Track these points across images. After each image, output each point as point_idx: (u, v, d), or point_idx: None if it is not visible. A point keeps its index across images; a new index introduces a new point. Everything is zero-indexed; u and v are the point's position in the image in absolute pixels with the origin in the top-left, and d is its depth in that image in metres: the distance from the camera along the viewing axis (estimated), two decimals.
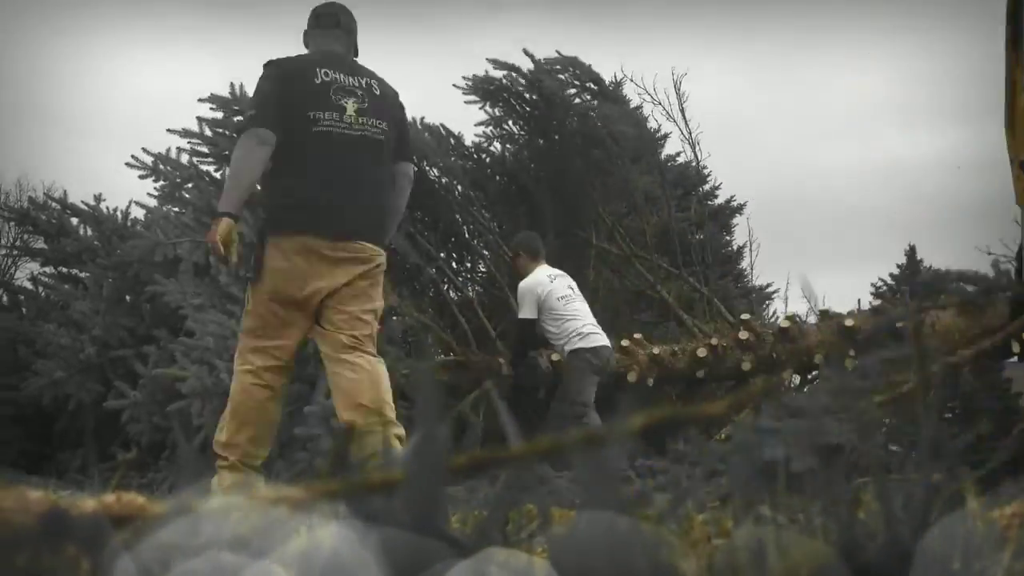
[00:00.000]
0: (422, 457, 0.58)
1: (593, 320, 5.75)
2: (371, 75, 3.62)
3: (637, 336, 6.34)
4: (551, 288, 5.72)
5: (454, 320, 7.72)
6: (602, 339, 5.63)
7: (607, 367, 5.62)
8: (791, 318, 6.12)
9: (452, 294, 8.12)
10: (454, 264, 8.02)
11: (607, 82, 7.89)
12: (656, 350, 6.11)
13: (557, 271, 5.92)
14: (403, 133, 3.71)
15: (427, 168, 7.99)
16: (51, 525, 0.57)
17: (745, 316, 6.42)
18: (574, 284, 5.91)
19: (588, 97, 7.81)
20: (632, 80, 8.68)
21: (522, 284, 5.80)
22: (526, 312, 5.67)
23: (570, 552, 0.57)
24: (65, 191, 7.33)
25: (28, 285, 7.25)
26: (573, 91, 7.71)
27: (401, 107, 3.76)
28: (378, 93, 3.55)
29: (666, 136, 9.24)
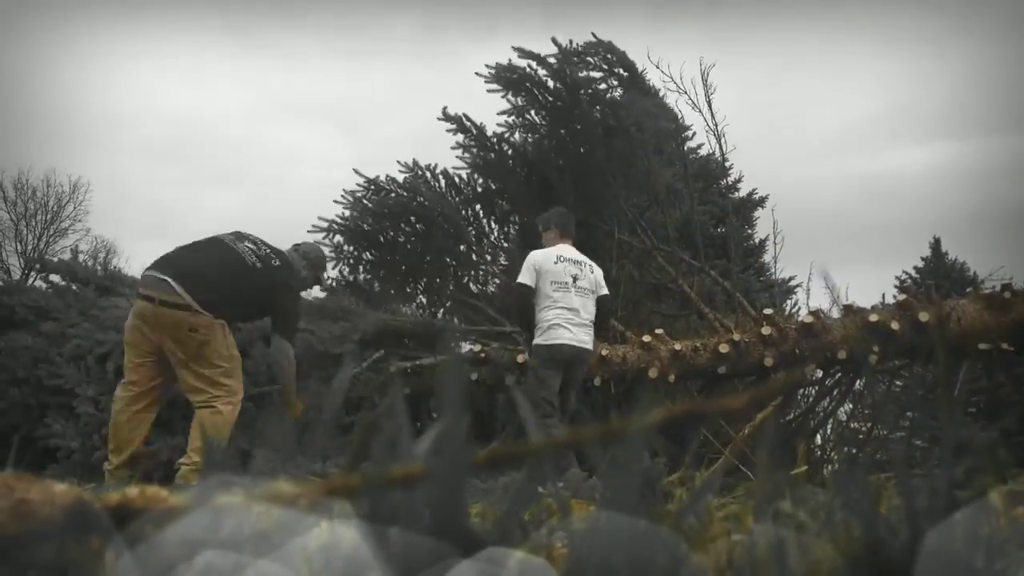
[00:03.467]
0: (443, 451, 0.58)
1: (578, 318, 5.46)
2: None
3: (659, 331, 6.31)
4: (551, 268, 5.52)
5: (470, 317, 7.74)
6: (567, 336, 5.36)
7: (559, 364, 5.36)
8: (814, 313, 6.07)
9: (472, 287, 8.13)
10: (473, 257, 8.03)
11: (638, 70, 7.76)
12: (678, 346, 6.09)
13: (575, 258, 5.64)
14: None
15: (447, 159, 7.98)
16: (76, 517, 0.58)
17: (768, 311, 6.37)
18: (589, 278, 5.60)
19: (615, 83, 7.69)
20: (658, 67, 8.53)
21: (531, 253, 5.62)
22: (522, 277, 5.49)
23: (590, 546, 0.57)
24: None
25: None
26: (599, 75, 7.57)
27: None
28: None
29: (691, 129, 9.17)
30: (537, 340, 5.38)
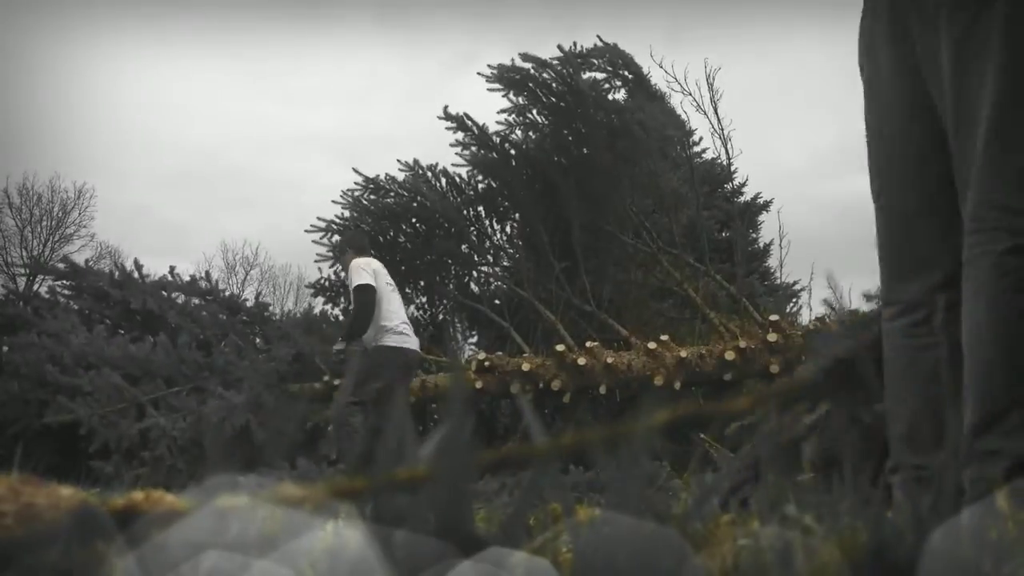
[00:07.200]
0: (448, 454, 0.58)
1: (407, 320, 5.67)
2: None
3: (664, 338, 6.29)
4: (383, 270, 5.66)
5: (472, 319, 7.71)
6: (412, 341, 5.53)
7: (413, 368, 5.71)
8: (820, 319, 6.05)
9: (473, 287, 8.11)
10: (475, 257, 8.00)
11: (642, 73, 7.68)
12: (684, 353, 6.06)
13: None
14: None
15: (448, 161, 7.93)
16: (81, 520, 0.58)
17: (773, 318, 6.35)
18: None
19: (619, 84, 7.62)
20: (662, 66, 8.46)
21: (355, 261, 5.64)
22: (364, 279, 5.47)
23: (594, 548, 0.57)
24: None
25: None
26: (603, 76, 7.49)
27: None
28: None
29: (695, 132, 9.12)
30: (384, 341, 5.41)
